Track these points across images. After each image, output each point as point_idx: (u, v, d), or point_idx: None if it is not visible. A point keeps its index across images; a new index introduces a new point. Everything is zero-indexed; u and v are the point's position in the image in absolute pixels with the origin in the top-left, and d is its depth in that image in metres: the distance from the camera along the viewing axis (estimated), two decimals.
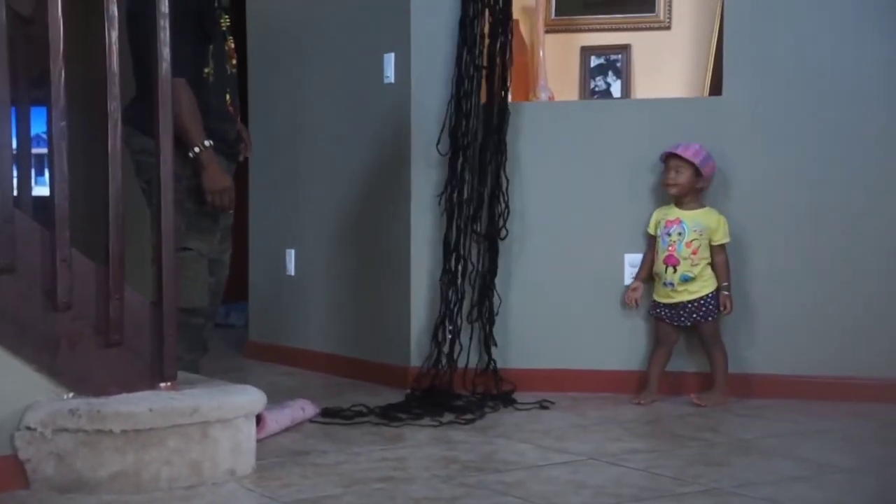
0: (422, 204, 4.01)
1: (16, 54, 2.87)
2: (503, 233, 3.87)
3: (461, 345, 3.83)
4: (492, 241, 3.87)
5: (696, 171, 3.67)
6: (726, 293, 3.70)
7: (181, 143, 3.06)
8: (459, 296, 3.84)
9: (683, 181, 3.69)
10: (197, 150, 3.11)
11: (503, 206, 3.87)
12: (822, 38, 3.78)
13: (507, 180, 3.86)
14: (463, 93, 3.84)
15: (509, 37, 3.82)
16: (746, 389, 3.77)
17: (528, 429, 3.28)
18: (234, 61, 3.36)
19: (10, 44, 2.33)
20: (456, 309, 3.83)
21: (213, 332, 3.41)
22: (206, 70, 3.21)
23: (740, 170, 3.81)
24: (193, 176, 3.18)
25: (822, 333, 3.78)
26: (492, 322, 3.86)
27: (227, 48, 3.31)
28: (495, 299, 3.85)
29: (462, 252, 3.84)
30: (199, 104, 3.14)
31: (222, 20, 3.30)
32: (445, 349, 3.82)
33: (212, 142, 3.15)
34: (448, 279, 3.84)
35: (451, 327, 3.82)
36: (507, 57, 3.81)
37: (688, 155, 3.67)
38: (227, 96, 3.28)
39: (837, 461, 2.83)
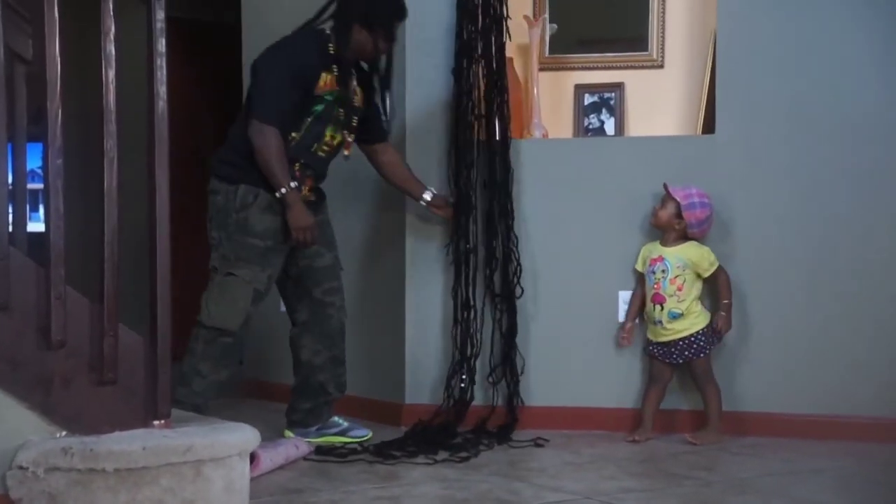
0: (416, 243, 4.03)
1: (13, 91, 2.89)
2: (518, 291, 3.89)
3: (473, 395, 3.86)
4: (510, 301, 3.87)
5: (679, 213, 3.69)
6: (723, 313, 3.69)
7: (233, 181, 3.37)
8: (475, 349, 3.87)
9: (663, 215, 3.71)
10: (283, 191, 3.31)
11: (515, 263, 3.87)
12: (814, 77, 3.81)
13: (517, 238, 3.88)
14: (463, 141, 3.87)
15: (506, 89, 3.86)
16: (741, 427, 3.76)
17: (523, 467, 3.27)
18: (327, 149, 3.50)
19: (7, 81, 2.34)
20: (473, 361, 3.86)
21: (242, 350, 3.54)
22: (293, 134, 3.40)
23: (734, 208, 3.83)
24: (241, 209, 3.36)
25: (818, 372, 3.78)
26: (517, 381, 3.87)
27: (327, 135, 3.47)
28: (518, 358, 3.90)
29: (473, 304, 3.87)
30: None
31: (327, 106, 3.43)
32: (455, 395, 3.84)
33: (297, 183, 3.35)
34: (462, 330, 3.85)
35: (465, 377, 3.84)
36: (506, 112, 3.87)
37: (676, 194, 3.68)
38: (298, 165, 3.44)
39: (832, 502, 2.83)
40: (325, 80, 3.40)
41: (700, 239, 3.74)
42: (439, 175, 3.95)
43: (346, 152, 3.57)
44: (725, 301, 3.72)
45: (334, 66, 3.41)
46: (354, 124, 3.55)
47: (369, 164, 3.77)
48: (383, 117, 3.66)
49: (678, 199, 3.68)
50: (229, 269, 3.39)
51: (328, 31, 3.46)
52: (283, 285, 3.67)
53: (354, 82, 3.50)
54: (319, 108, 3.42)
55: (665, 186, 3.72)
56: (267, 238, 3.40)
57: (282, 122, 3.34)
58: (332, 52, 3.41)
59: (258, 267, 3.39)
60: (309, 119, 3.41)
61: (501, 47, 3.87)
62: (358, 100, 3.54)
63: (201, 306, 3.40)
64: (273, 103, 3.32)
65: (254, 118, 3.32)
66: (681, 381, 3.83)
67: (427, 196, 3.80)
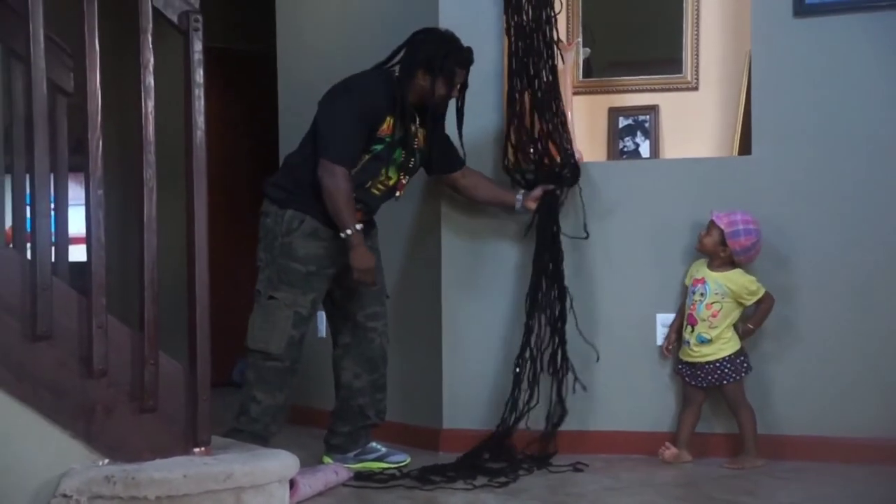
0: (452, 266, 4.04)
1: (55, 124, 2.94)
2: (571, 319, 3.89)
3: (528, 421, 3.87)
4: (562, 329, 3.87)
5: (723, 240, 3.66)
6: (744, 327, 3.70)
7: (283, 205, 3.45)
8: (537, 376, 3.86)
9: (707, 242, 3.69)
10: (349, 232, 3.37)
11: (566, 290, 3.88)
12: (849, 97, 3.78)
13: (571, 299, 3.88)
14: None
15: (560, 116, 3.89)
16: (780, 451, 3.72)
17: (563, 492, 3.26)
18: (382, 188, 3.56)
19: (49, 114, 2.38)
20: (533, 391, 3.86)
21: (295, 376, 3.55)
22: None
23: (772, 228, 3.80)
24: (287, 234, 3.43)
25: (861, 395, 3.73)
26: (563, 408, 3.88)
27: (383, 174, 3.53)
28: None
29: (538, 340, 3.86)
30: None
31: (386, 147, 3.49)
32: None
33: (362, 225, 3.43)
34: (530, 366, 3.85)
35: (525, 410, 3.84)
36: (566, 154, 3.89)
37: (720, 221, 3.66)
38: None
39: None
40: (389, 122, 3.48)
41: (747, 266, 3.71)
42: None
43: (398, 193, 3.64)
44: (751, 326, 3.70)
45: (398, 109, 3.48)
46: (412, 166, 3.62)
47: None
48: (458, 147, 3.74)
49: (722, 227, 3.66)
50: (272, 293, 3.44)
51: (397, 74, 3.54)
52: (328, 307, 3.72)
53: (416, 126, 3.56)
54: (379, 147, 3.49)
55: (711, 213, 3.71)
56: (309, 263, 3.45)
57: (353, 163, 3.42)
58: (396, 95, 3.48)
59: (300, 291, 3.44)
60: (367, 157, 3.48)
61: (554, 69, 3.90)
62: (419, 140, 3.60)
63: (248, 329, 3.47)
64: (344, 145, 3.40)
65: (324, 158, 3.39)
66: (714, 405, 3.80)
67: (519, 197, 3.83)
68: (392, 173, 3.56)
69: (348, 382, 3.68)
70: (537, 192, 3.82)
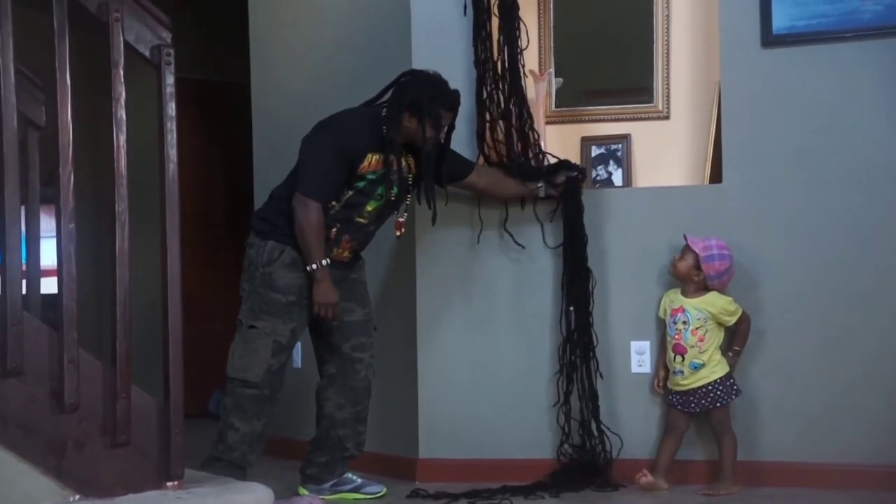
0: (428, 292, 4.04)
1: (27, 158, 2.93)
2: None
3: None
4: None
5: (698, 265, 3.69)
6: (730, 354, 3.73)
7: (265, 236, 3.50)
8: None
9: (682, 267, 3.72)
10: (314, 266, 3.42)
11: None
12: (819, 125, 3.82)
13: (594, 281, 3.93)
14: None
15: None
16: (757, 478, 3.73)
17: None
18: (365, 220, 3.59)
19: (21, 147, 2.38)
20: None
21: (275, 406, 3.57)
22: (333, 203, 3.51)
23: (742, 256, 3.83)
24: (268, 264, 3.47)
25: (836, 420, 3.74)
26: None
27: (368, 207, 3.56)
28: None
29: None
30: None
31: (370, 184, 3.53)
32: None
33: (329, 260, 3.45)
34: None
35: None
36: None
37: (695, 246, 3.69)
38: (335, 229, 3.52)
39: None
40: (371, 160, 3.50)
41: (721, 290, 3.74)
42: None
43: (397, 232, 3.69)
44: (737, 348, 3.72)
45: (384, 147, 3.51)
46: (408, 202, 3.67)
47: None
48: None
49: (697, 251, 3.68)
50: (252, 322, 3.47)
51: (383, 114, 3.56)
52: (314, 339, 3.74)
53: (404, 162, 3.59)
54: (361, 184, 3.52)
55: (685, 237, 3.73)
56: (289, 293, 3.47)
57: (327, 199, 3.46)
58: (383, 134, 3.52)
59: (280, 320, 3.46)
60: (350, 192, 3.52)
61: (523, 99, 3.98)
62: (409, 170, 3.63)
63: (228, 357, 3.49)
64: (319, 180, 3.45)
65: (299, 192, 3.44)
66: (696, 431, 3.81)
67: (541, 184, 3.87)
68: (377, 206, 3.59)
69: (331, 413, 3.68)
70: (560, 178, 3.87)
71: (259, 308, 3.47)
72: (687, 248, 3.71)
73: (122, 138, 2.44)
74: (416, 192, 3.67)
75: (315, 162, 3.47)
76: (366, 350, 3.69)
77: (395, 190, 3.58)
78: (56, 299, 2.35)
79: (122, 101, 2.44)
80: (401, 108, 3.52)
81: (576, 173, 3.89)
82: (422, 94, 3.50)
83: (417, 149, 3.59)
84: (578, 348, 3.84)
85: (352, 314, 3.65)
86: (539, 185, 3.88)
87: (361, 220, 3.58)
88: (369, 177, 3.51)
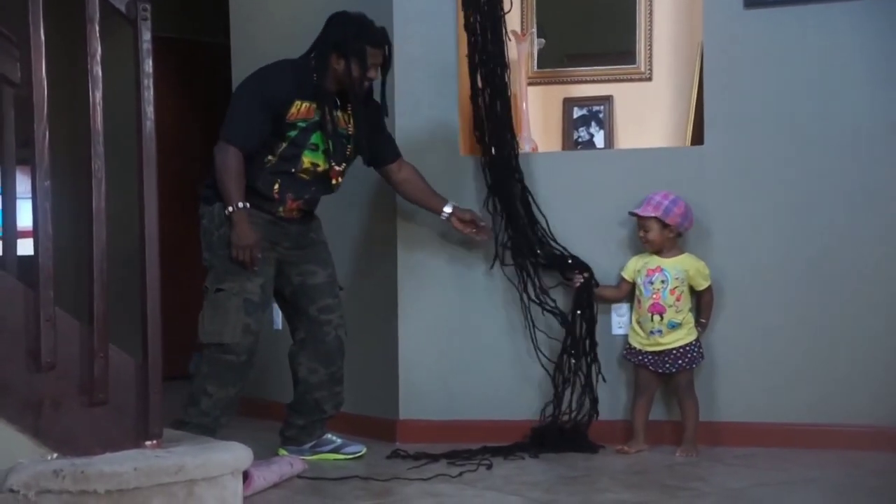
0: (408, 257, 4.04)
1: (2, 117, 2.90)
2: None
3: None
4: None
5: (663, 223, 3.70)
6: (699, 329, 3.76)
7: (210, 201, 3.47)
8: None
9: (654, 237, 3.73)
10: (230, 209, 3.38)
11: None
12: (801, 87, 3.83)
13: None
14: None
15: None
16: (719, 437, 3.80)
17: (517, 481, 3.27)
18: (308, 175, 3.52)
19: None
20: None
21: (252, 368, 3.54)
22: (269, 157, 3.47)
23: (722, 218, 3.85)
24: (221, 226, 3.43)
25: (805, 380, 3.80)
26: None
27: (305, 160, 3.50)
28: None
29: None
30: (248, 177, 3.44)
31: (301, 133, 3.46)
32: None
33: (247, 205, 3.40)
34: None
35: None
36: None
37: (647, 212, 3.69)
38: (277, 185, 3.48)
39: None
40: (299, 107, 3.45)
41: (690, 228, 3.77)
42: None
43: (334, 182, 3.60)
44: (703, 320, 3.78)
45: (315, 95, 3.46)
46: (349, 154, 3.60)
47: (355, 179, 3.78)
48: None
49: (654, 214, 3.69)
50: (218, 285, 3.44)
51: (314, 62, 3.51)
52: (281, 304, 3.72)
53: (338, 112, 3.54)
54: (293, 133, 3.47)
55: (631, 213, 3.77)
56: None
57: (245, 144, 3.41)
58: (315, 81, 3.47)
59: (245, 277, 3.43)
60: (284, 144, 3.47)
61: (503, 62, 3.94)
62: (347, 126, 3.57)
63: (198, 325, 3.44)
64: (238, 126, 3.42)
65: (220, 139, 3.42)
66: (663, 393, 3.85)
67: (447, 209, 3.79)
68: (318, 160, 3.52)
69: (305, 377, 3.67)
70: (465, 216, 3.80)
71: (224, 270, 3.43)
72: (643, 220, 3.72)
73: (98, 95, 2.41)
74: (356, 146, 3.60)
75: (235, 109, 3.45)
76: (333, 311, 3.67)
77: (331, 144, 3.50)
78: (33, 260, 2.33)
79: (98, 58, 2.40)
80: (328, 50, 3.47)
81: (588, 275, 3.85)
82: (346, 33, 3.46)
83: (351, 100, 3.53)
84: (584, 322, 3.85)
85: (314, 276, 3.63)
86: (447, 208, 3.76)
87: (303, 175, 3.51)
88: (300, 124, 3.45)
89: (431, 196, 3.80)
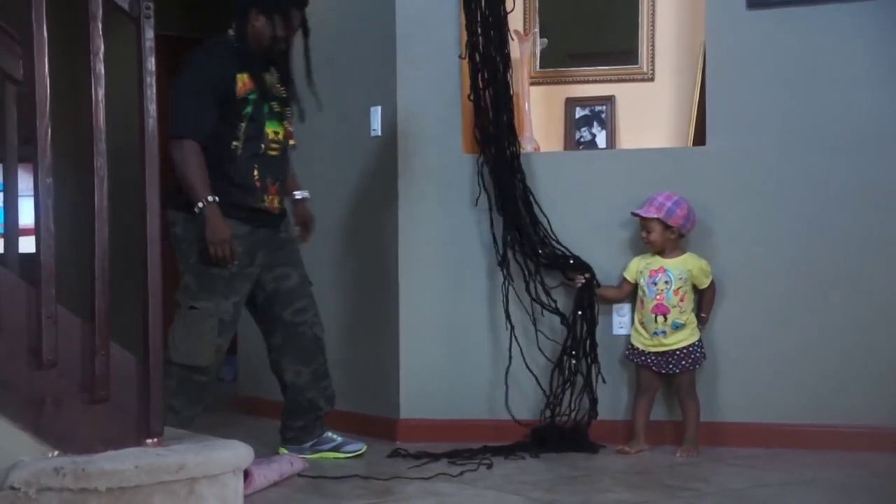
0: (409, 256, 4.03)
1: (5, 114, 2.89)
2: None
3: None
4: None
5: (666, 225, 3.70)
6: (703, 316, 3.77)
7: (189, 209, 3.28)
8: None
9: (656, 238, 3.73)
10: (200, 205, 3.24)
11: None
12: (803, 88, 3.83)
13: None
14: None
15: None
16: (721, 438, 3.79)
17: (518, 480, 3.27)
18: (276, 146, 3.45)
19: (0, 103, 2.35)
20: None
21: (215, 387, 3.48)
22: (234, 143, 3.35)
23: (723, 219, 3.84)
24: (202, 238, 3.27)
25: (806, 381, 3.79)
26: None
27: (269, 132, 3.42)
28: None
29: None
30: (224, 172, 3.32)
31: (255, 106, 3.38)
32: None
33: (216, 198, 3.25)
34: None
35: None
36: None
37: (650, 214, 3.69)
38: (256, 172, 3.38)
39: None
40: (243, 80, 3.36)
41: (692, 230, 3.77)
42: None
43: (291, 142, 3.52)
44: (703, 315, 3.78)
45: (247, 64, 3.37)
46: (290, 113, 3.52)
47: (355, 179, 3.78)
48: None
49: (657, 216, 3.69)
50: (192, 303, 3.33)
51: (232, 32, 3.43)
52: (253, 312, 3.63)
53: (273, 75, 3.46)
54: (248, 109, 3.37)
55: (633, 214, 3.77)
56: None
57: (198, 131, 3.29)
58: (243, 49, 3.38)
59: (221, 296, 3.34)
60: (243, 124, 3.36)
61: (506, 61, 3.92)
62: (281, 90, 3.49)
63: (168, 342, 3.28)
64: (187, 116, 3.28)
65: (171, 137, 3.26)
66: (664, 393, 3.84)
67: (297, 195, 3.69)
68: (277, 128, 3.46)
69: (292, 381, 3.63)
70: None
71: (198, 286, 3.31)
72: (646, 221, 3.72)
73: (101, 93, 2.41)
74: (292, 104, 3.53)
75: (179, 101, 3.29)
76: (307, 311, 3.61)
77: (276, 105, 3.43)
78: (34, 258, 2.32)
79: (101, 55, 2.39)
80: (248, 7, 3.37)
81: (589, 276, 3.84)
82: None
83: (278, 62, 3.47)
84: (585, 322, 3.84)
85: (288, 280, 3.57)
86: (297, 194, 3.68)
87: (272, 151, 3.43)
88: (250, 97, 3.37)
89: (295, 176, 3.72)
